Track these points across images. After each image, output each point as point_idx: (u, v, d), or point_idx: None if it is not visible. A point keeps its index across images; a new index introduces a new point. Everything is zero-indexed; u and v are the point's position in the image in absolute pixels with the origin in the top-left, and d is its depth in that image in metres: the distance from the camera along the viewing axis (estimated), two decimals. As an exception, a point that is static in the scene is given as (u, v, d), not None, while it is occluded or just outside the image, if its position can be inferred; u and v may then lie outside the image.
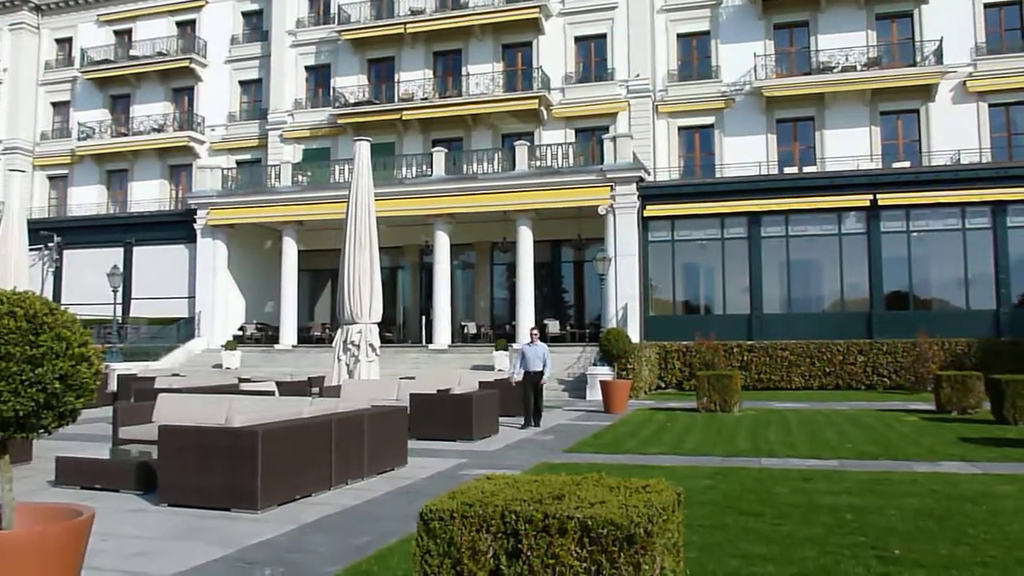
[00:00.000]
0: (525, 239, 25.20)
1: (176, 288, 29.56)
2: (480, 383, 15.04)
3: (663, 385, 23.17)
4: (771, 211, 23.86)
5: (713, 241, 24.71)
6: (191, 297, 29.09)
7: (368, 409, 9.41)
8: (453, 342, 26.35)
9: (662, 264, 25.00)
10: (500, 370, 22.08)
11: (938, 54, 26.46)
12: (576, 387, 21.03)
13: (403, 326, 30.72)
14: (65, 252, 31.13)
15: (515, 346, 23.86)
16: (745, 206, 23.94)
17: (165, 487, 7.53)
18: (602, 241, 24.51)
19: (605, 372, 19.90)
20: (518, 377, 14.46)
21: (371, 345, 15.13)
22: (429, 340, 26.56)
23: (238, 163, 33.60)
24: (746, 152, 27.40)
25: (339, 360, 15.13)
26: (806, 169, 25.73)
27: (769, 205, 23.79)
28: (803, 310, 23.90)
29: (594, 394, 19.46)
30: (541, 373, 14.40)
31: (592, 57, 29.48)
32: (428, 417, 12.39)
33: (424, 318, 28.45)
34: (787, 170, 25.80)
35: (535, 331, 15.07)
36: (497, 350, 23.21)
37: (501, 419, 14.06)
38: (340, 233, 16.04)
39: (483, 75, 30.07)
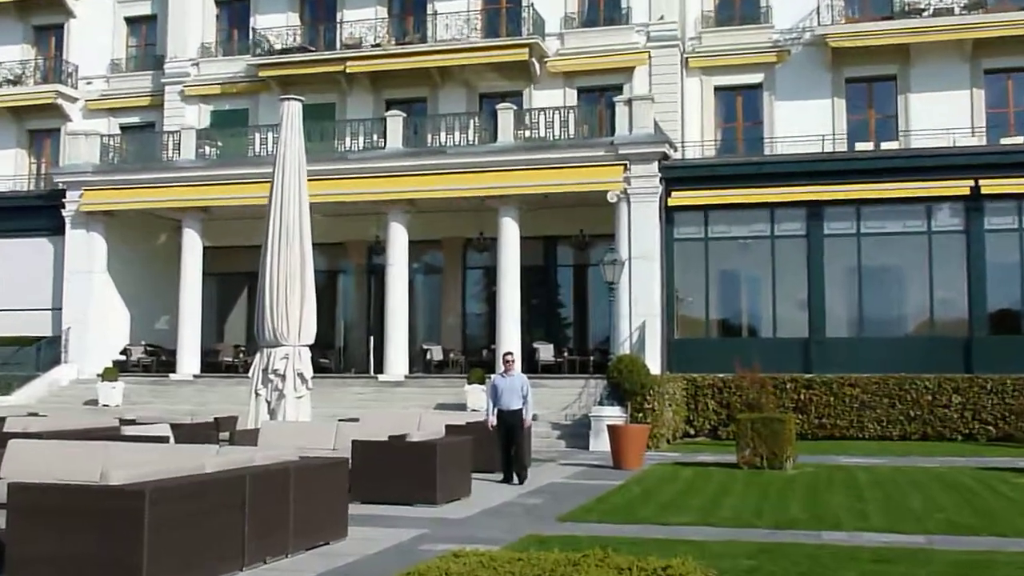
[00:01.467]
0: (509, 235, 25.29)
1: (36, 296, 29.31)
2: (448, 427, 15.02)
3: (692, 432, 23.28)
4: (837, 200, 24.08)
5: (760, 240, 24.88)
6: (56, 309, 28.90)
7: (295, 462, 9.38)
8: (412, 372, 26.34)
9: (692, 270, 25.14)
10: (474, 410, 21.99)
11: (1060, -5, 26.83)
12: (576, 433, 21.07)
13: (344, 350, 30.70)
14: None
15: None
16: (803, 193, 24.15)
17: (17, 566, 7.46)
18: (612, 239, 24.63)
19: (615, 414, 19.95)
20: (493, 419, 14.57)
21: (300, 375, 15.09)
22: (379, 369, 26.53)
23: (123, 128, 33.55)
24: (805, 122, 27.63)
25: (257, 395, 15.06)
26: (884, 145, 25.93)
27: (835, 193, 24.00)
28: (879, 333, 24.08)
29: (600, 443, 19.50)
30: (520, 412, 14.47)
31: (602, -8, 29.71)
32: (377, 473, 12.36)
33: (373, 340, 28.42)
34: (859, 146, 26.02)
35: (511, 357, 15.18)
36: (471, 383, 23.20)
37: (476, 476, 14.04)
38: (261, 225, 16.00)
39: (455, 14, 30.23)
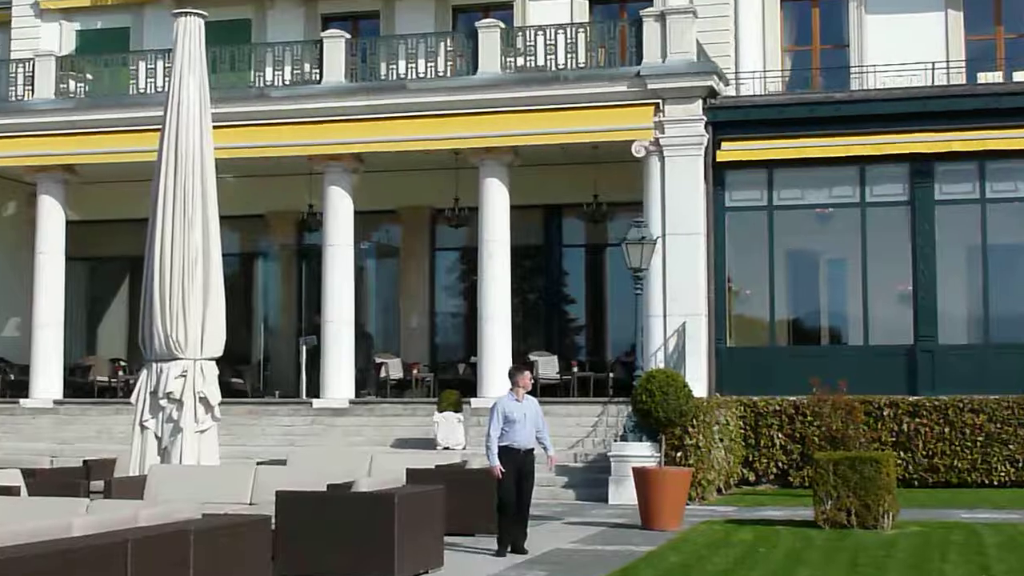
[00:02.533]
0: (496, 204, 25.27)
1: None
2: (410, 472, 14.97)
3: (752, 477, 23.30)
4: (953, 154, 24.04)
5: (846, 209, 24.87)
6: None
7: (197, 522, 9.33)
8: (360, 395, 26.32)
9: (751, 252, 25.15)
10: (447, 447, 21.86)
11: None
12: (590, 481, 21.06)
13: (265, 365, 30.64)
14: None
15: (477, 402, 23.80)
16: (904, 144, 24.11)
17: None
18: (638, 208, 24.59)
19: (643, 453, 19.91)
20: (497, 463, 14.12)
21: (204, 400, 15.01)
22: (314, 392, 26.48)
23: (-48, 55, 33.38)
24: (908, 44, 27.49)
25: (143, 429, 14.98)
26: (1019, 77, 25.90)
27: (949, 143, 23.97)
28: (1013, 339, 24.10)
29: (623, 493, 19.51)
30: (533, 454, 14.41)
31: None
32: (311, 536, 12.31)
33: (306, 351, 28.35)
34: (983, 77, 25.97)
35: (526, 373, 14.87)
36: (443, 410, 23.14)
37: (450, 540, 13.98)
38: (147, 191, 15.93)
39: None
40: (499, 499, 14.17)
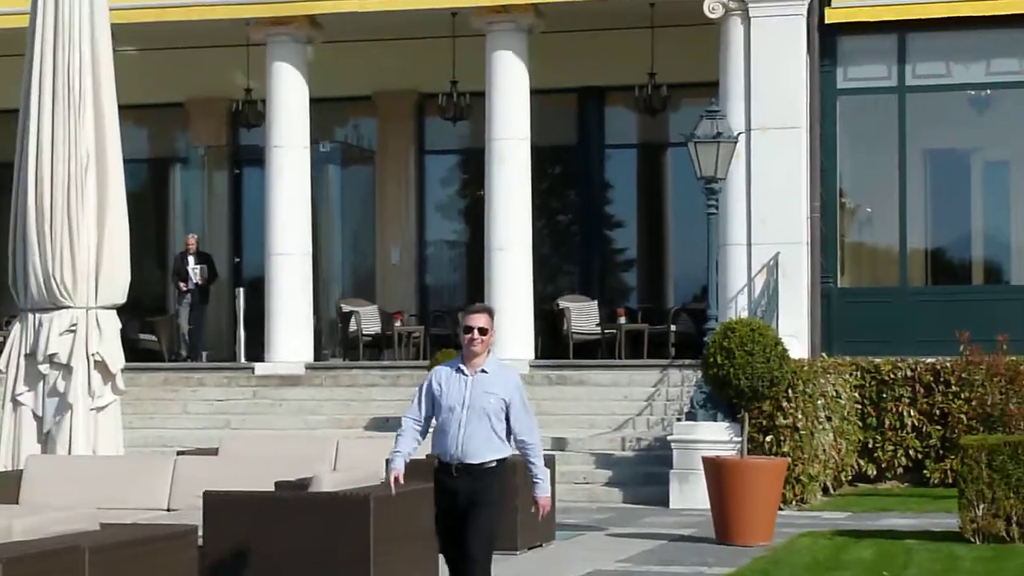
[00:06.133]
0: (509, 86, 25.39)
1: None
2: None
3: (873, 471, 23.46)
4: None
5: (1010, 90, 24.94)
6: None
7: (93, 534, 9.50)
8: (322, 356, 26.51)
9: (873, 152, 25.32)
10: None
11: None
12: (643, 475, 21.34)
13: (189, 317, 30.72)
14: None
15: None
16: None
17: None
18: (713, 92, 24.60)
19: (718, 437, 20.15)
20: (397, 471, 11.10)
21: (101, 364, 15.15)
22: (256, 354, 26.77)
23: None
24: None
25: (17, 404, 15.12)
26: None
27: None
28: None
29: (690, 494, 19.76)
30: (495, 471, 11.05)
31: None
32: (253, 552, 12.50)
33: (242, 295, 28.49)
34: None
35: (477, 316, 11.15)
36: (437, 377, 23.35)
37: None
38: (16, 71, 16.06)
39: None
40: (438, 537, 11.34)
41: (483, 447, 10.50)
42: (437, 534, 11.12)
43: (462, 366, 10.69)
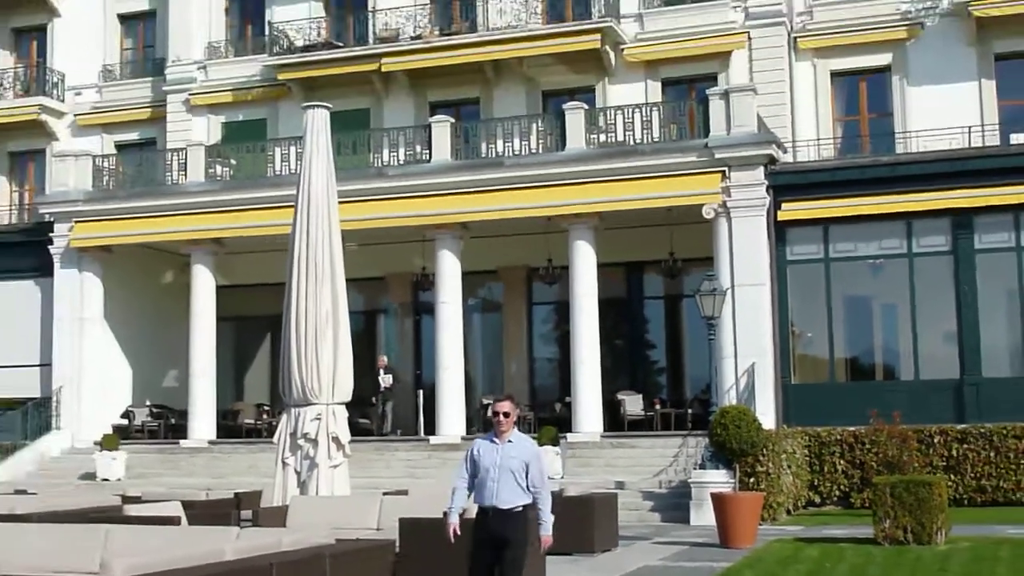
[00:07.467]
0: (583, 262, 25.29)
1: (21, 349, 29.69)
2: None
3: (817, 499, 23.00)
4: (991, 208, 23.63)
5: (895, 259, 24.57)
6: (46, 365, 29.28)
7: (331, 546, 9.39)
8: (471, 432, 26.34)
9: (811, 299, 24.87)
10: (549, 477, 21.83)
11: None
12: (673, 504, 20.93)
13: (387, 408, 30.71)
14: None
15: (572, 436, 23.82)
16: (947, 200, 23.74)
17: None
18: (710, 263, 24.45)
19: (720, 479, 19.81)
20: (454, 524, 9.90)
21: (335, 439, 15.13)
22: (431, 430, 26.59)
23: (119, 147, 34.15)
24: (945, 111, 27.08)
25: (284, 465, 15.13)
26: (1047, 137, 25.54)
27: (987, 198, 23.56)
28: (1051, 371, 23.63)
29: (703, 516, 19.35)
30: (520, 517, 9.75)
31: (688, -36, 29.64)
32: (430, 558, 12.29)
33: (422, 394, 28.48)
34: (1016, 139, 25.58)
35: (502, 403, 9.89)
36: (541, 444, 23.05)
37: (552, 558, 13.87)
38: (284, 258, 16.16)
39: (511, -2, 30.39)
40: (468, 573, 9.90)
41: (511, 495, 9.51)
42: (472, 562, 9.77)
43: (494, 438, 9.69)
